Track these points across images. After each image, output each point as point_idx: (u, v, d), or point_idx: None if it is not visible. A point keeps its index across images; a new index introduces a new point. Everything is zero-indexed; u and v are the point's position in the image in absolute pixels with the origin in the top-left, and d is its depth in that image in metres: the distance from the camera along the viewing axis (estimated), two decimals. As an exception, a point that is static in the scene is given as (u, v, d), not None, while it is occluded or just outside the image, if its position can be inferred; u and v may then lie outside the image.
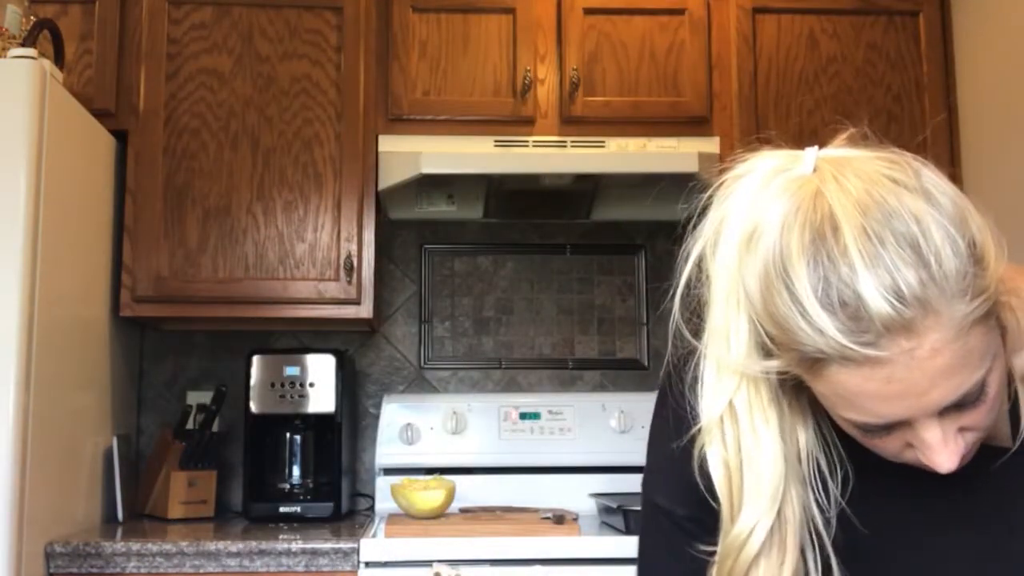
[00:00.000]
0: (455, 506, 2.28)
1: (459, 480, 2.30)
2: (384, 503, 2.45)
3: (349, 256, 2.35)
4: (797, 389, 0.82)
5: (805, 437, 0.84)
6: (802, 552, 0.84)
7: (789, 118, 2.46)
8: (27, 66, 1.88)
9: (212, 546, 1.92)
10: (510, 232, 2.78)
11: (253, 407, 2.36)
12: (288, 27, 2.42)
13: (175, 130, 2.37)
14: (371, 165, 2.39)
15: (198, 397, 2.53)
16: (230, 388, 2.40)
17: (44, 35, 2.11)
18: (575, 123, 2.45)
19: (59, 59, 2.15)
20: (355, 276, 2.35)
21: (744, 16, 2.48)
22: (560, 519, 2.07)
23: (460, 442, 2.54)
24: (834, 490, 0.85)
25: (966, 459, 0.78)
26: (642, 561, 1.00)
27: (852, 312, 0.70)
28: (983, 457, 0.81)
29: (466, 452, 2.54)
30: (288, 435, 2.40)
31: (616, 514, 2.12)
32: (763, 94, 2.46)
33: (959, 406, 0.74)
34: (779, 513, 0.82)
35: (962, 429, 0.76)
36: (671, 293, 0.84)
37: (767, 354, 0.78)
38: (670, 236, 2.79)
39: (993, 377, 0.75)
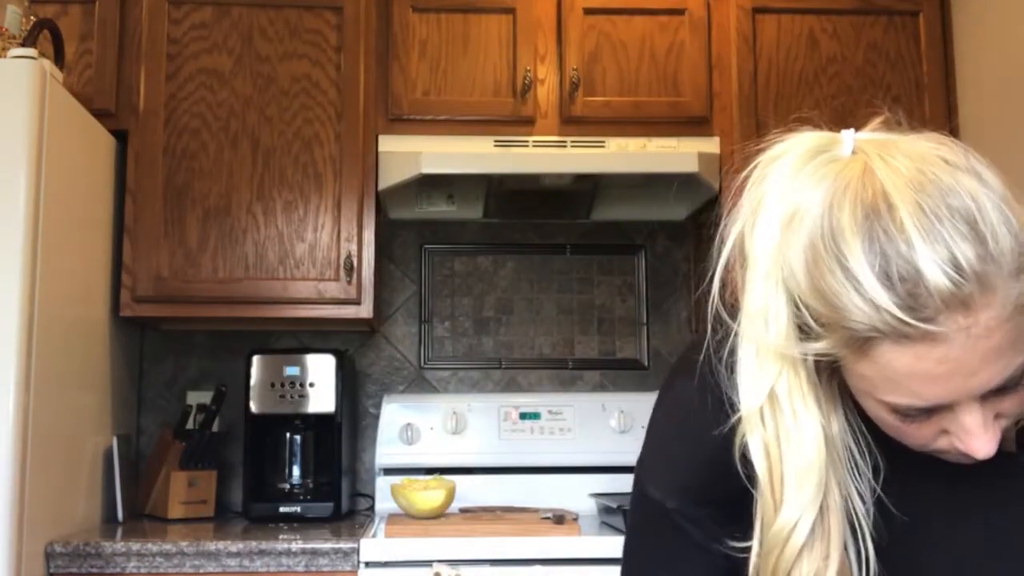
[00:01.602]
0: (455, 506, 2.28)
1: (459, 480, 2.30)
2: (384, 503, 2.45)
3: (349, 256, 2.35)
4: (830, 374, 0.81)
5: (838, 425, 0.83)
6: (844, 545, 0.82)
7: (789, 118, 2.46)
8: (27, 66, 1.88)
9: (212, 546, 1.92)
10: (510, 232, 2.78)
11: (253, 407, 2.36)
12: (288, 27, 2.42)
13: (175, 130, 2.37)
14: (371, 165, 2.39)
15: (198, 397, 2.53)
16: (230, 388, 2.40)
17: (44, 35, 2.11)
18: (575, 123, 2.45)
19: (59, 59, 2.15)
20: (355, 276, 2.35)
21: (744, 16, 2.48)
22: (560, 519, 2.07)
23: (460, 442, 2.54)
24: (869, 478, 0.83)
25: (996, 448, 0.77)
26: (635, 564, 0.97)
27: (911, 287, 0.70)
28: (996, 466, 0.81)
29: (466, 452, 2.54)
30: (288, 435, 2.40)
31: (616, 514, 2.12)
32: (763, 94, 2.46)
33: (1000, 390, 0.74)
34: (822, 501, 0.80)
35: (998, 416, 0.76)
36: (709, 276, 0.82)
37: (808, 336, 0.76)
38: (670, 236, 2.79)
39: None
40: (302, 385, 2.36)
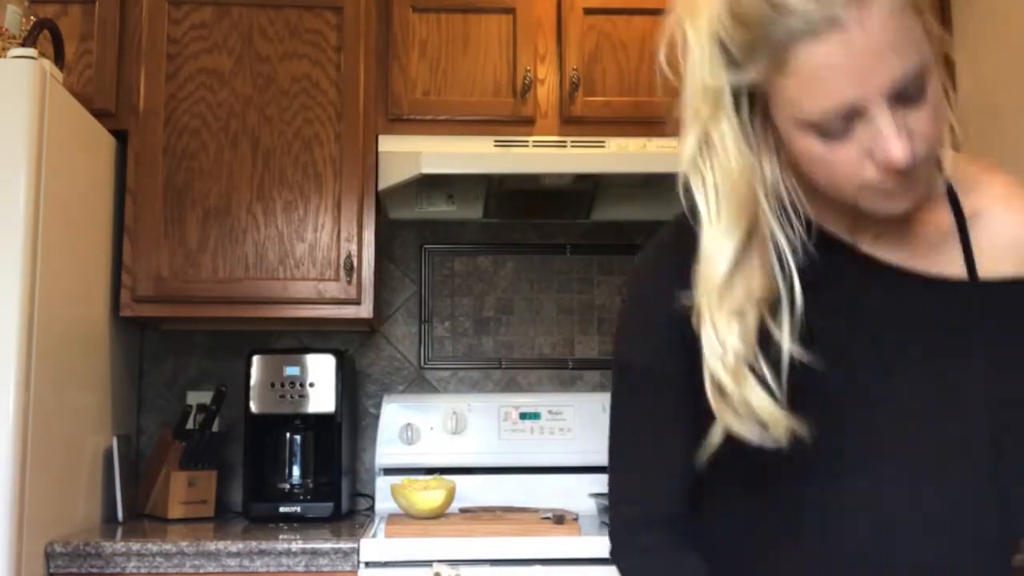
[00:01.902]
0: (455, 506, 2.28)
1: (459, 480, 2.30)
2: (384, 503, 2.45)
3: (349, 256, 2.35)
4: (763, 123, 0.92)
5: (771, 171, 0.93)
6: (771, 310, 0.91)
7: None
8: (27, 66, 1.88)
9: (212, 546, 1.92)
10: (510, 232, 2.78)
11: (253, 407, 2.36)
12: (288, 27, 2.42)
13: (175, 130, 2.37)
14: (371, 165, 2.39)
15: (198, 397, 2.53)
16: (230, 388, 2.40)
17: (44, 35, 2.11)
18: (575, 123, 2.45)
19: (59, 59, 2.15)
20: (355, 276, 2.35)
21: (744, 16, 2.48)
22: (560, 519, 2.07)
23: (460, 442, 2.54)
24: (801, 233, 0.93)
25: (917, 189, 0.88)
26: (615, 426, 1.05)
27: None
28: (936, 296, 0.91)
29: (466, 452, 2.54)
30: (288, 435, 2.40)
31: (616, 514, 2.11)
32: (763, 94, 2.46)
33: (905, 100, 0.85)
34: (753, 229, 0.91)
35: (911, 133, 0.85)
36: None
37: (736, 67, 0.87)
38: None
39: (932, 83, 0.87)
40: (302, 385, 2.36)
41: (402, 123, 2.43)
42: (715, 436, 0.91)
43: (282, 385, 2.36)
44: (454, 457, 2.53)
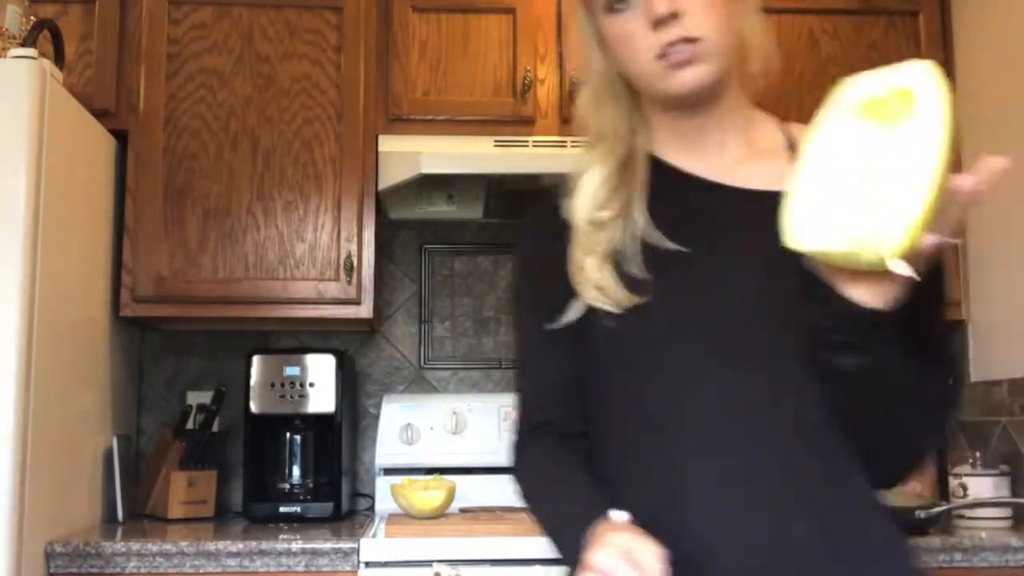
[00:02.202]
0: (455, 506, 2.28)
1: (459, 480, 2.30)
2: (384, 503, 2.45)
3: (349, 256, 2.35)
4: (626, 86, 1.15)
5: (627, 112, 1.17)
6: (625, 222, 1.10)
7: (789, 118, 2.45)
8: (27, 66, 1.88)
9: (212, 546, 1.92)
10: (510, 232, 2.77)
11: (253, 407, 2.36)
12: (288, 27, 2.42)
13: (175, 130, 2.37)
14: (371, 165, 2.39)
15: (198, 397, 2.53)
16: (230, 388, 2.40)
17: (44, 35, 2.11)
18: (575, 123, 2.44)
19: (59, 59, 2.15)
20: (355, 276, 2.35)
21: (744, 16, 2.48)
22: (560, 519, 2.07)
23: (460, 442, 2.54)
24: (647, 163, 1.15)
25: (702, 75, 1.06)
26: (520, 371, 1.20)
27: None
28: (767, 204, 1.00)
29: (466, 452, 2.54)
30: (288, 435, 2.40)
31: (616, 514, 2.11)
32: (763, 94, 2.45)
33: None
34: (619, 160, 1.13)
35: (680, 6, 1.04)
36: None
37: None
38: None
39: None
40: (302, 385, 2.36)
41: (402, 123, 2.43)
42: (572, 312, 1.09)
43: (282, 385, 2.36)
44: (454, 457, 2.53)
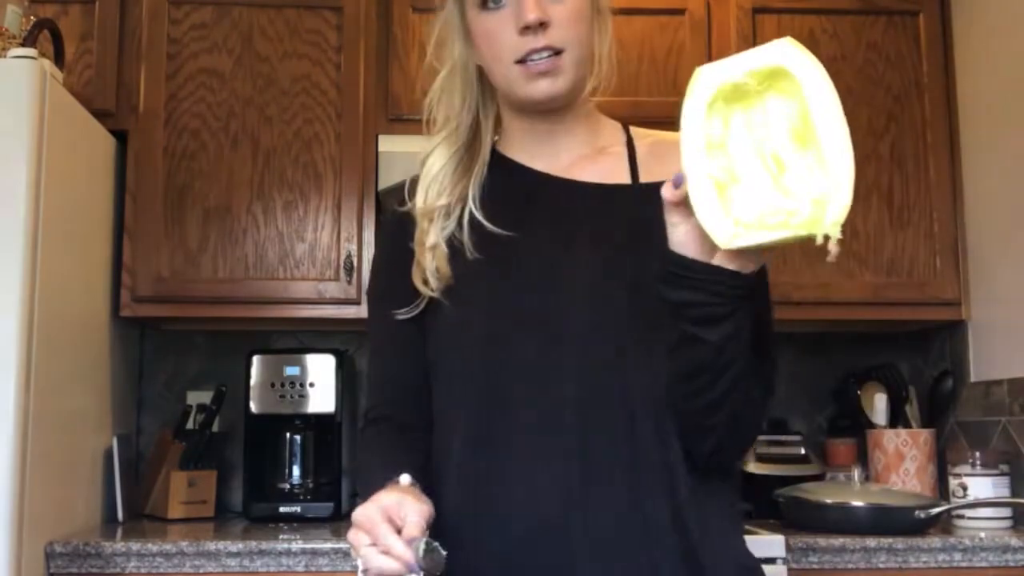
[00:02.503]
0: (455, 506, 2.28)
1: (459, 480, 2.30)
2: (384, 503, 2.44)
3: (349, 256, 2.35)
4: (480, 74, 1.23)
5: (470, 59, 1.25)
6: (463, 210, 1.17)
7: (789, 118, 2.46)
8: (27, 66, 1.88)
9: (212, 546, 1.92)
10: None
11: (253, 407, 2.36)
12: (288, 27, 2.42)
13: (175, 130, 2.37)
14: (371, 165, 2.39)
15: (198, 397, 2.53)
16: (230, 388, 2.40)
17: (44, 35, 2.11)
18: (575, 123, 2.44)
19: (59, 59, 2.15)
20: (355, 276, 2.35)
21: (744, 16, 2.48)
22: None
23: (460, 442, 2.54)
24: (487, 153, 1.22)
25: (558, 87, 1.12)
26: (371, 360, 1.28)
27: None
28: (603, 195, 1.13)
29: (466, 452, 2.53)
30: (288, 435, 2.40)
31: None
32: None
33: None
34: (463, 146, 1.22)
35: (550, 14, 1.09)
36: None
37: None
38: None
39: None
40: (302, 385, 2.36)
41: (402, 123, 2.43)
42: (414, 306, 1.15)
43: (282, 385, 2.36)
44: (454, 457, 2.52)
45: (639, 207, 1.10)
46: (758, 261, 0.94)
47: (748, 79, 0.90)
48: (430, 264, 1.14)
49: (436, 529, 0.97)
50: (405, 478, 1.02)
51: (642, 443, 1.05)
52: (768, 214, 0.87)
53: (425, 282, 1.14)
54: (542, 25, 1.09)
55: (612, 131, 1.24)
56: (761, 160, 0.88)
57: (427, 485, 1.04)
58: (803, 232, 0.84)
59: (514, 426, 1.07)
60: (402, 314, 1.16)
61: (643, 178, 1.16)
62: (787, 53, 0.88)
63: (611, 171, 1.17)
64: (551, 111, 1.17)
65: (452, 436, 1.11)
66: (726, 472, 1.11)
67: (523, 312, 1.10)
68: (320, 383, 2.37)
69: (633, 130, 1.26)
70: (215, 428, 2.43)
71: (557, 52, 1.10)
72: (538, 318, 1.09)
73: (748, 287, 0.94)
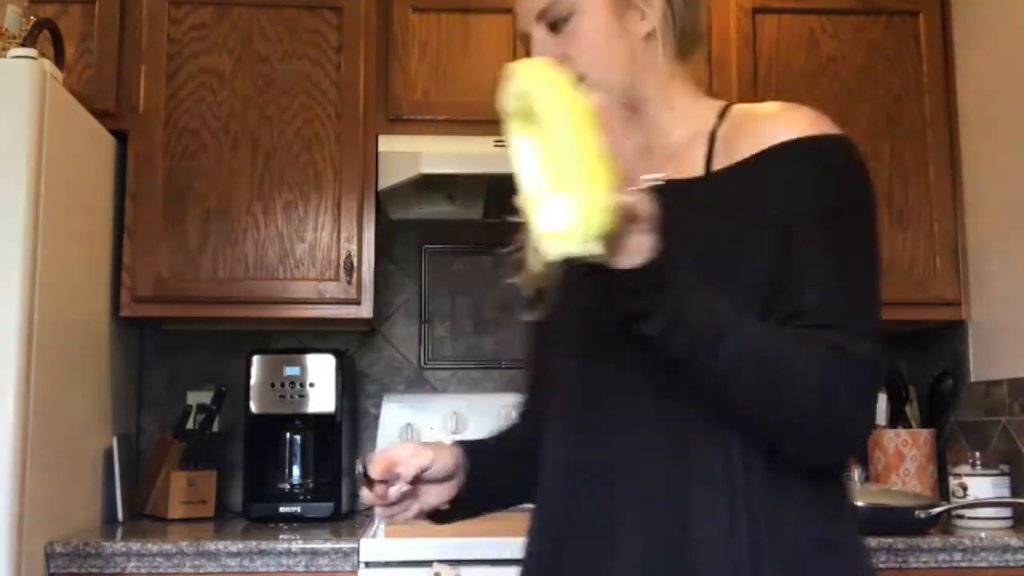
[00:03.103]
0: (455, 506, 2.28)
1: (459, 480, 2.30)
2: (384, 503, 2.45)
3: (349, 256, 2.35)
4: None
5: None
6: None
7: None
8: (27, 66, 1.88)
9: (212, 546, 1.92)
10: (510, 232, 2.77)
11: (253, 407, 2.36)
12: (288, 27, 2.42)
13: (175, 130, 2.37)
14: (371, 165, 2.39)
15: (198, 397, 2.53)
16: (230, 388, 2.40)
17: (44, 35, 2.11)
18: (575, 123, 2.44)
19: (59, 59, 2.15)
20: (355, 276, 2.35)
21: (744, 16, 2.48)
22: (560, 519, 2.07)
23: (460, 442, 2.54)
24: None
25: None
26: None
27: None
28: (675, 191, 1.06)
29: (466, 452, 2.53)
30: (288, 435, 2.40)
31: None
32: (763, 94, 2.45)
33: (555, 26, 1.11)
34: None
35: (565, 54, 1.08)
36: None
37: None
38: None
39: (585, 23, 1.10)
40: (302, 385, 2.37)
41: (402, 123, 2.43)
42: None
43: (282, 385, 2.36)
44: (454, 457, 2.52)
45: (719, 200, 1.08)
46: (637, 250, 0.90)
47: (516, 102, 0.94)
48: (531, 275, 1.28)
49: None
50: (448, 438, 1.10)
51: (671, 439, 1.03)
52: (560, 230, 0.89)
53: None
54: (562, 61, 1.05)
55: (707, 114, 1.18)
56: (541, 179, 0.95)
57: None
58: (574, 247, 0.88)
59: (552, 435, 1.15)
60: (525, 319, 1.32)
61: (715, 166, 1.11)
62: (529, 77, 0.91)
63: (684, 165, 1.12)
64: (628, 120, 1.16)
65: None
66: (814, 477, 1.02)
67: (561, 328, 1.19)
68: (320, 383, 2.37)
69: (732, 108, 1.19)
70: (215, 428, 2.43)
71: (583, 79, 1.07)
72: (570, 333, 1.16)
73: (652, 276, 0.91)
